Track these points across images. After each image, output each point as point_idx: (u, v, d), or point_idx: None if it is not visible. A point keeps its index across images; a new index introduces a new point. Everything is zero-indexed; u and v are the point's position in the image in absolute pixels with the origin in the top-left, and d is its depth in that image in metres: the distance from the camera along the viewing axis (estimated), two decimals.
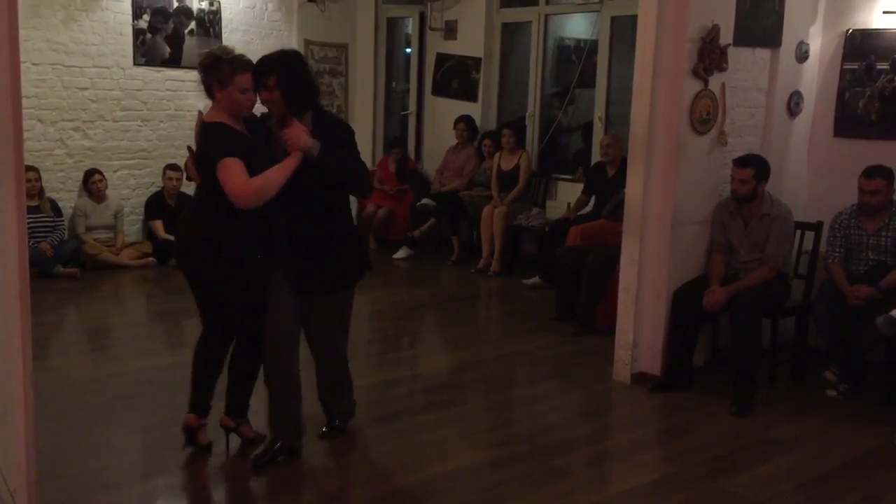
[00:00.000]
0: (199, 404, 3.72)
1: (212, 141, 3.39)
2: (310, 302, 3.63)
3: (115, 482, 3.46)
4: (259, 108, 3.54)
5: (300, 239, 3.54)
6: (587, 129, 7.91)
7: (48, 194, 7.29)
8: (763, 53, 5.00)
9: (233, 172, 3.27)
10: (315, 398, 3.96)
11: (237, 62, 3.38)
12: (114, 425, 4.05)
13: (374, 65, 9.32)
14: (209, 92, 3.44)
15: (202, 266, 3.52)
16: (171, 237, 7.60)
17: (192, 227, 3.58)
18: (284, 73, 3.41)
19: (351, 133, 3.61)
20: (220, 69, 3.36)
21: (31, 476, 2.89)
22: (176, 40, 7.98)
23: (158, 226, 7.71)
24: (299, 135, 3.35)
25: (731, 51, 4.72)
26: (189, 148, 3.67)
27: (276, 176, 3.32)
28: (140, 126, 7.93)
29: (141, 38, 7.80)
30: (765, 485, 3.64)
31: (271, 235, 3.54)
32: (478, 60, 8.47)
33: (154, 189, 7.95)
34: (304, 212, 3.51)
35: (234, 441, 3.80)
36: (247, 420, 3.82)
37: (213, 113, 3.46)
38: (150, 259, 7.54)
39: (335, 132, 3.52)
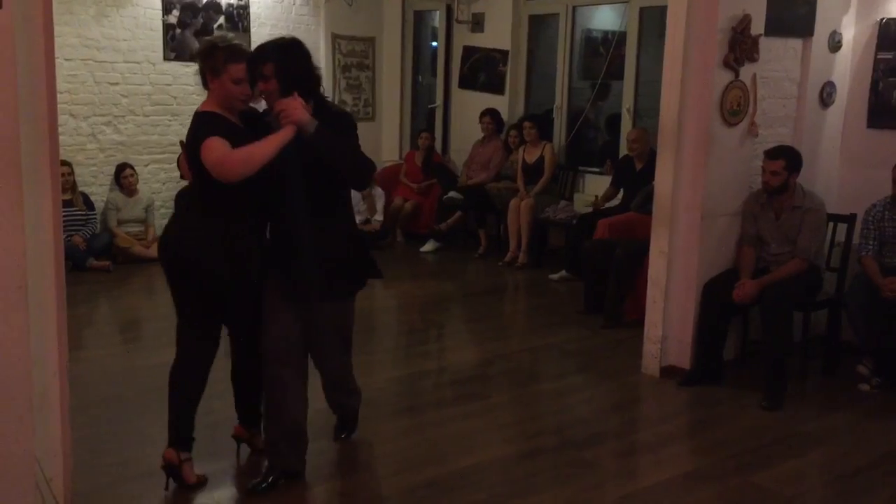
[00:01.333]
0: (181, 435, 3.38)
1: (198, 127, 3.19)
2: (307, 310, 3.36)
3: (147, 472, 3.50)
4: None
5: (295, 241, 3.28)
6: (614, 121, 7.86)
7: (80, 188, 7.39)
8: (795, 43, 4.94)
9: (215, 147, 3.06)
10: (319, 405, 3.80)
11: (231, 50, 3.20)
12: (146, 416, 4.09)
13: (401, 58, 9.33)
14: (204, 81, 3.26)
15: (194, 277, 3.27)
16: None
17: (181, 238, 3.32)
18: (282, 61, 3.15)
19: (353, 124, 3.35)
20: (214, 57, 3.18)
21: (68, 464, 2.95)
22: (205, 35, 8.00)
23: None
24: (296, 106, 3.08)
25: (763, 41, 4.66)
26: (181, 143, 3.46)
27: (263, 148, 3.06)
28: (170, 121, 8.00)
29: (170, 33, 7.87)
30: (795, 479, 3.61)
31: (263, 238, 3.37)
32: (505, 53, 8.45)
33: (184, 183, 8.01)
34: (300, 211, 3.24)
35: (245, 451, 3.72)
36: (259, 431, 3.63)
37: (206, 103, 3.28)
38: None
39: (335, 122, 3.24)
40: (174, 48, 7.90)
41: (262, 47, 3.23)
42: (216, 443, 3.80)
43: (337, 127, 3.22)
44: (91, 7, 7.44)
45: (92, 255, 7.10)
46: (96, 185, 7.67)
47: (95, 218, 7.45)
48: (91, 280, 6.78)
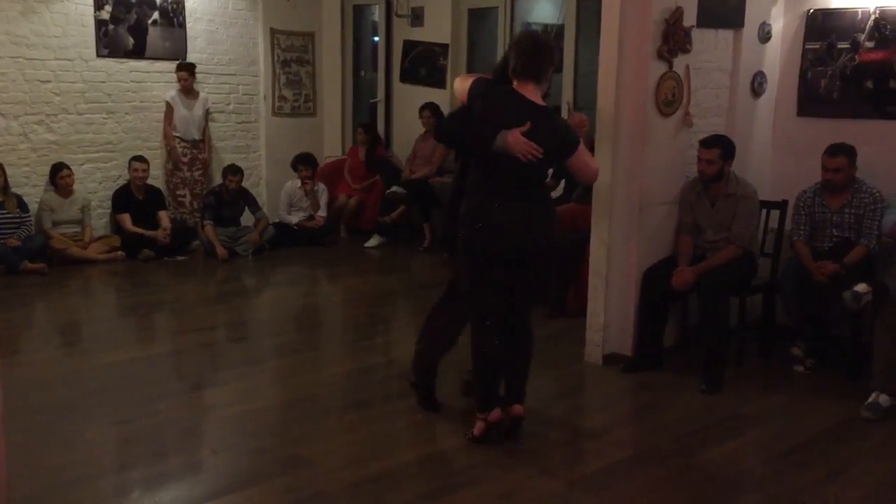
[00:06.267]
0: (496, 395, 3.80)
1: (568, 128, 3.71)
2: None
3: (88, 476, 3.44)
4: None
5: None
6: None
7: (13, 190, 7.19)
8: (726, 34, 5.05)
9: (587, 153, 3.69)
10: None
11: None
12: (86, 420, 4.02)
13: (342, 53, 9.28)
14: (543, 76, 3.58)
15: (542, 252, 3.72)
16: (140, 230, 7.56)
17: (539, 224, 3.64)
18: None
19: None
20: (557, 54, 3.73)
21: (2, 472, 2.87)
22: (139, 31, 7.89)
23: (126, 219, 7.64)
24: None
25: (695, 32, 4.76)
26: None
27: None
28: (105, 118, 7.83)
29: (103, 29, 7.70)
30: (735, 459, 3.71)
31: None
32: (445, 47, 8.46)
33: (121, 182, 7.87)
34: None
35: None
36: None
37: (539, 96, 3.57)
38: (119, 253, 7.47)
39: None
40: (107, 44, 7.73)
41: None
42: (162, 442, 3.75)
43: None
44: (18, 3, 7.22)
45: (26, 257, 6.90)
46: (29, 187, 7.46)
47: (30, 220, 7.24)
48: (26, 283, 6.60)
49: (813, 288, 4.66)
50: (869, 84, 5.11)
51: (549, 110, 3.61)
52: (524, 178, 3.53)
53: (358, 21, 9.45)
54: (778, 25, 5.37)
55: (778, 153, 5.53)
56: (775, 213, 5.09)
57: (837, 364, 4.79)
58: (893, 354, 4.19)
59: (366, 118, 9.35)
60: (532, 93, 3.54)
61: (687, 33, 4.70)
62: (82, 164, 7.75)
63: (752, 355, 4.98)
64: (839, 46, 5.21)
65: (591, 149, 4.94)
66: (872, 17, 5.05)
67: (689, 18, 4.70)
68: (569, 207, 6.40)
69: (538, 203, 3.64)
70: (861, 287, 4.34)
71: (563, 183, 6.91)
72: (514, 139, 3.41)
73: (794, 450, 3.80)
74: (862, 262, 4.62)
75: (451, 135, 3.75)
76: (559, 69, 7.70)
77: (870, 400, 4.16)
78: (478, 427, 3.75)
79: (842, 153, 4.72)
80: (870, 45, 5.08)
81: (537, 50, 3.52)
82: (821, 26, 5.28)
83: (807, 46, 5.34)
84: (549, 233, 3.65)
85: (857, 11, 5.11)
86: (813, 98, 5.35)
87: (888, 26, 5.00)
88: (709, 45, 4.93)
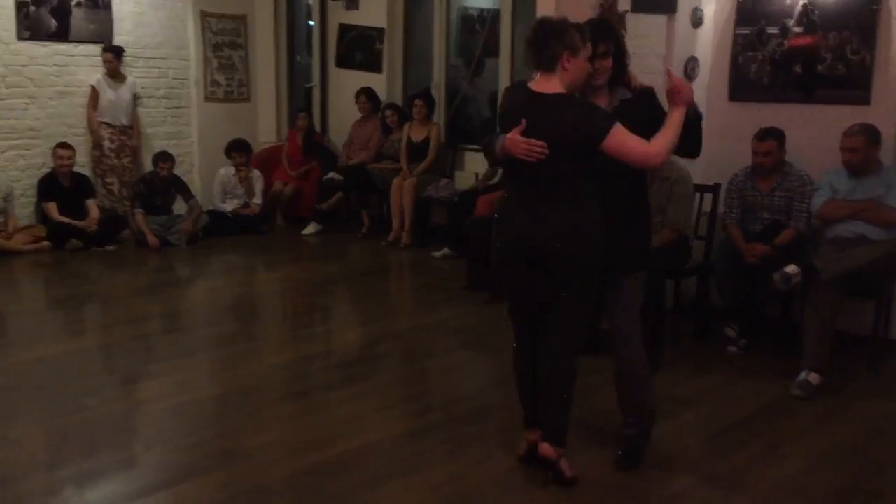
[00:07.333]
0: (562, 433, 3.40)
1: (587, 112, 3.08)
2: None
3: (14, 475, 3.31)
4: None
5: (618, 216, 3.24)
6: (493, 99, 7.93)
7: None
8: (660, 19, 5.10)
9: (629, 135, 3.04)
10: None
11: (583, 29, 3.14)
12: (13, 416, 3.87)
13: (276, 37, 9.11)
14: (552, 64, 3.08)
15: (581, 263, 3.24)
16: (66, 219, 7.31)
17: (563, 226, 3.14)
18: (616, 40, 3.28)
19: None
20: (572, 36, 3.06)
21: None
22: (62, 13, 7.60)
23: (52, 207, 7.38)
24: (689, 88, 3.21)
25: (630, 17, 4.79)
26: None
27: (675, 132, 3.10)
28: (27, 104, 7.54)
29: (24, 10, 7.40)
30: (671, 440, 3.76)
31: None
32: (381, 31, 8.37)
33: (45, 170, 7.60)
34: (624, 186, 3.27)
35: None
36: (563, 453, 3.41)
37: (553, 85, 3.08)
38: (45, 243, 7.22)
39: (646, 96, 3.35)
40: (28, 27, 7.44)
41: (598, 26, 3.29)
42: (92, 438, 3.64)
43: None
44: None
45: None
46: None
47: None
48: None
49: (745, 270, 4.76)
50: (797, 69, 5.22)
51: (559, 98, 3.09)
52: (544, 177, 3.13)
53: (291, 4, 9.29)
54: (710, 10, 5.44)
55: (710, 137, 5.48)
56: (708, 197, 5.17)
57: (769, 344, 4.90)
58: (822, 334, 4.31)
59: (301, 103, 9.21)
60: (547, 83, 3.11)
61: (622, 18, 4.72)
62: (4, 151, 7.46)
63: (687, 337, 5.06)
64: (769, 32, 5.30)
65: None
66: (801, 3, 5.15)
67: (624, 3, 4.74)
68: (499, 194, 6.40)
69: (565, 203, 3.15)
70: (791, 268, 4.44)
71: (501, 169, 6.92)
72: (511, 141, 3.09)
73: (728, 429, 3.88)
74: (792, 244, 4.73)
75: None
76: (496, 54, 7.69)
77: (800, 378, 4.27)
78: (520, 445, 3.53)
79: (771, 137, 4.82)
80: (798, 30, 5.19)
81: (537, 37, 3.12)
82: (751, 11, 5.36)
83: (738, 31, 5.42)
84: (577, 238, 3.16)
85: None
86: (744, 83, 5.44)
87: (816, 12, 5.11)
88: (643, 30, 4.96)
